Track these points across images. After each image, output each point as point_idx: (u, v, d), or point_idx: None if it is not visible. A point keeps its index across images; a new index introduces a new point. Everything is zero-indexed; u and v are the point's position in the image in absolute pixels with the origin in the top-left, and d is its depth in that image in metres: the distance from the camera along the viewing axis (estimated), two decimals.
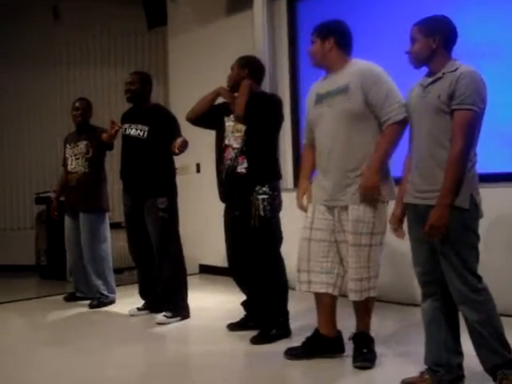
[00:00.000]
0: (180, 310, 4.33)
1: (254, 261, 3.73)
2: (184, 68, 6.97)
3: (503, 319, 2.58)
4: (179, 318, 4.28)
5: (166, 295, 4.33)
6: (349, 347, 3.21)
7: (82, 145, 5.02)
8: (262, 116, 3.65)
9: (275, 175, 3.80)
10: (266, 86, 5.66)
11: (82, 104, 5.14)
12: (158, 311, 4.35)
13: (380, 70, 3.03)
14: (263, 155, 3.72)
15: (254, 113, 3.61)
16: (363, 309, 3.15)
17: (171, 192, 4.40)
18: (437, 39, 2.57)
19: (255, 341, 3.59)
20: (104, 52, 7.70)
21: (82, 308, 4.88)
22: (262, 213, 3.62)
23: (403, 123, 2.86)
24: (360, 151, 3.00)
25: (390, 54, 4.70)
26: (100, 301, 4.91)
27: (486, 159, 3.09)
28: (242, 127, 3.71)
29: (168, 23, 7.28)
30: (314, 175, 3.26)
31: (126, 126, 4.45)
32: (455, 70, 2.52)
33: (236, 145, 3.71)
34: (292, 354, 3.25)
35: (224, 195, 3.86)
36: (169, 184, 4.40)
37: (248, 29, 5.88)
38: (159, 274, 4.34)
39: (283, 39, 5.77)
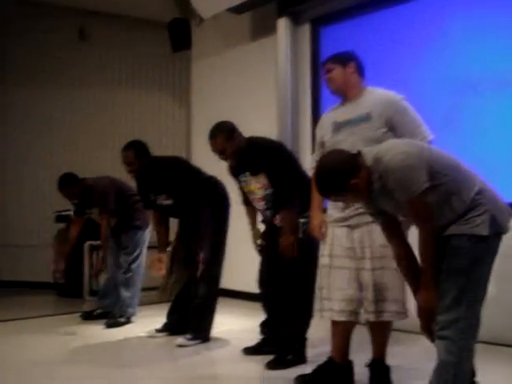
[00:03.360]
0: (202, 332, 4.29)
1: (288, 282, 3.68)
2: (207, 91, 7.03)
3: None
4: (199, 341, 4.24)
5: (197, 313, 4.27)
6: (364, 375, 3.17)
7: (96, 212, 5.17)
8: (277, 172, 3.66)
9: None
10: (287, 110, 5.72)
11: (66, 193, 5.12)
12: (179, 333, 4.32)
13: (399, 97, 3.05)
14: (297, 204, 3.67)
15: (268, 169, 3.66)
16: (380, 335, 3.11)
17: (216, 210, 4.32)
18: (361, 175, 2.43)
19: (270, 366, 3.54)
20: (128, 73, 7.79)
21: (98, 327, 4.86)
22: (301, 235, 3.60)
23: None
24: None
25: (412, 79, 4.74)
26: (116, 320, 4.91)
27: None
28: (254, 188, 3.76)
29: (192, 47, 7.37)
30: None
31: (152, 195, 4.44)
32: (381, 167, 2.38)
33: (260, 207, 3.84)
34: (301, 381, 3.19)
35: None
36: (211, 198, 4.32)
37: (271, 53, 5.92)
38: (197, 288, 4.29)
39: (306, 63, 5.80)
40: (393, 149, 2.41)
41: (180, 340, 4.21)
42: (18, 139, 7.72)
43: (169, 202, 4.35)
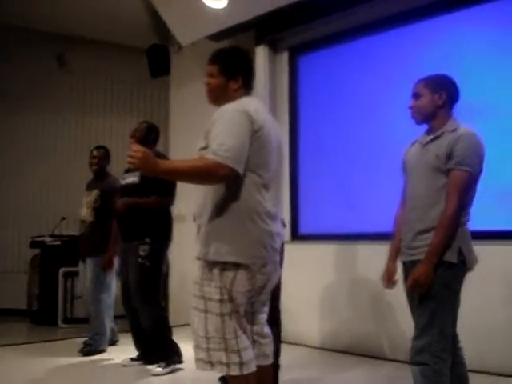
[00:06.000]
0: (171, 357, 4.25)
1: None
2: (185, 118, 7.02)
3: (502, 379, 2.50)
4: (173, 367, 4.21)
5: (154, 345, 4.28)
6: None
7: (94, 193, 5.03)
8: None
9: None
10: None
11: (99, 152, 5.16)
12: (152, 362, 4.27)
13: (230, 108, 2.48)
14: None
15: None
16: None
17: (158, 239, 4.28)
18: (443, 96, 2.58)
19: None
20: (107, 100, 7.81)
21: (72, 355, 4.76)
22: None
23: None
24: None
25: (390, 106, 4.79)
26: (91, 348, 4.83)
27: (483, 216, 3.08)
28: None
29: (171, 73, 7.38)
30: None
31: (126, 176, 4.45)
32: (454, 130, 2.51)
33: None
34: None
35: None
36: (157, 230, 4.28)
37: None
38: (142, 321, 4.26)
39: (284, 91, 5.83)
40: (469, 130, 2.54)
41: (155, 370, 4.17)
42: None
43: (135, 179, 4.30)
